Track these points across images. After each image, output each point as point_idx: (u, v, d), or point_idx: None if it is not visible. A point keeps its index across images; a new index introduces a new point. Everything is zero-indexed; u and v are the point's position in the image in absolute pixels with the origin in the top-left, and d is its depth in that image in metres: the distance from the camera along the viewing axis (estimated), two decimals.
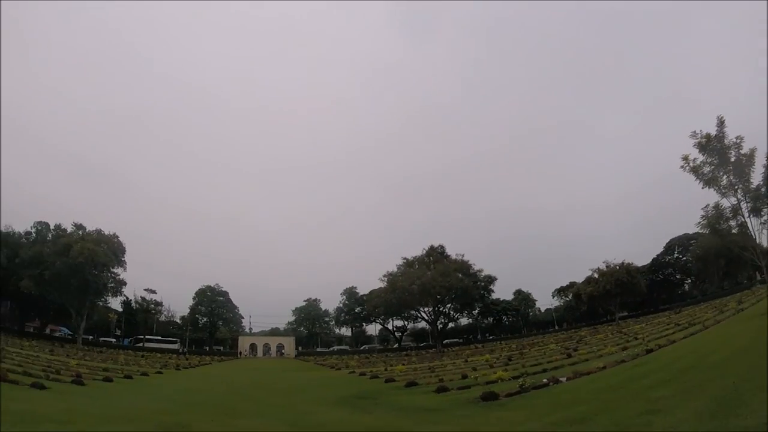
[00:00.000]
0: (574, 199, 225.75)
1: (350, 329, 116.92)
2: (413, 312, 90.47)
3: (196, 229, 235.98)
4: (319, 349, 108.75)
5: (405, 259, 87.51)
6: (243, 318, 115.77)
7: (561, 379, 17.92)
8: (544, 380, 17.72)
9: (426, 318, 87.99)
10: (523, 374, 20.16)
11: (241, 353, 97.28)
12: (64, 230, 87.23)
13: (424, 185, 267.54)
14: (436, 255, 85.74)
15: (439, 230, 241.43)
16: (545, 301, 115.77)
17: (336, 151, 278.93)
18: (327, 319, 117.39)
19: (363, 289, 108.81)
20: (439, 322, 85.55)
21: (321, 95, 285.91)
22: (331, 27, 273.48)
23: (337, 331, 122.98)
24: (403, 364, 43.48)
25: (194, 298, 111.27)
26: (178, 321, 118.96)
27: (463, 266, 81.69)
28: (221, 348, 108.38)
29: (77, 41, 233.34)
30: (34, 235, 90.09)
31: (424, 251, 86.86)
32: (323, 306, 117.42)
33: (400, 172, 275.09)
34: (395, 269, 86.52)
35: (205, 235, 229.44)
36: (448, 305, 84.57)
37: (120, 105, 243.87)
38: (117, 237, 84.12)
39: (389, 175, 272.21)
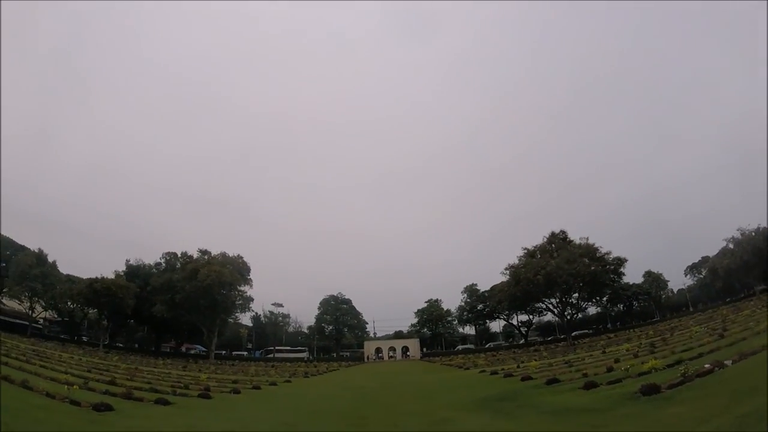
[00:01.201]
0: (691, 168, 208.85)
1: (473, 327, 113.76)
2: (538, 305, 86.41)
3: (316, 244, 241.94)
4: (443, 350, 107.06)
5: (525, 249, 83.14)
6: (367, 323, 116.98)
7: (726, 362, 15.23)
8: (707, 365, 14.92)
9: (553, 310, 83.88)
10: (679, 361, 17.65)
11: (368, 358, 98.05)
12: (191, 257, 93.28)
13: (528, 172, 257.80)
14: (558, 242, 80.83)
15: (553, 219, 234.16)
16: (677, 281, 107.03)
17: (436, 148, 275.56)
18: (449, 318, 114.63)
19: (484, 285, 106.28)
20: (566, 313, 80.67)
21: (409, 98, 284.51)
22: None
23: (460, 330, 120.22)
24: (536, 360, 40.97)
25: (319, 308, 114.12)
26: (305, 331, 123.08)
27: (589, 250, 75.79)
28: (347, 354, 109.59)
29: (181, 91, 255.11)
30: (163, 264, 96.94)
31: (545, 239, 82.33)
32: (444, 306, 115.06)
33: (501, 160, 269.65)
34: (516, 261, 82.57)
35: (325, 248, 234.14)
36: (575, 294, 79.24)
37: (231, 143, 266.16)
38: (241, 258, 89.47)
39: (492, 165, 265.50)
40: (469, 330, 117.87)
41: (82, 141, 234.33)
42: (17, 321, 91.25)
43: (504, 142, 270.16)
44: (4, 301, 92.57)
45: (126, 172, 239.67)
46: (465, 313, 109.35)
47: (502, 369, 34.95)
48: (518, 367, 35.97)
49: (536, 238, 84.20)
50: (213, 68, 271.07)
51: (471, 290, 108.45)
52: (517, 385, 22.40)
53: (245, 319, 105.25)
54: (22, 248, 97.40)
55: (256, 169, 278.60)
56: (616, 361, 26.53)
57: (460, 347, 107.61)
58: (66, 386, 15.18)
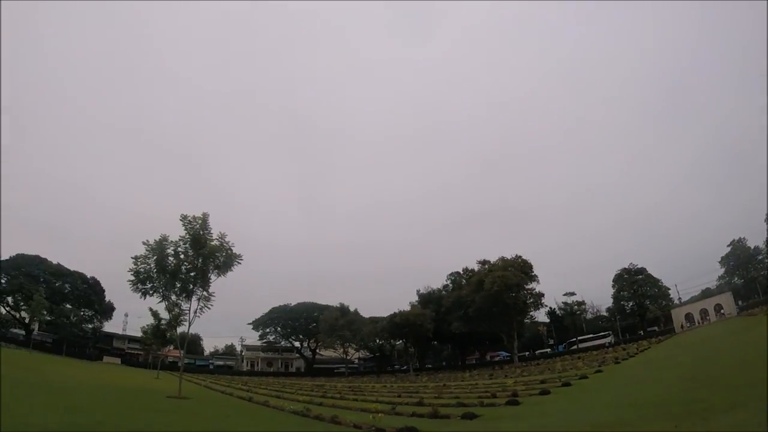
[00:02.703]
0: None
1: None
2: None
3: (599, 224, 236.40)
4: (761, 297, 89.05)
5: None
6: (669, 289, 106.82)
7: None
8: None
9: None
10: None
11: (681, 326, 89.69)
12: (472, 270, 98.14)
13: None
14: None
15: None
16: None
17: None
18: (760, 257, 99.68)
19: None
20: None
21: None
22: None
23: None
24: None
25: (613, 286, 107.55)
26: (605, 314, 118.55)
27: None
28: (655, 328, 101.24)
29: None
30: (450, 285, 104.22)
31: None
32: (750, 243, 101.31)
33: None
34: None
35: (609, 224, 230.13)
36: None
37: None
38: (520, 257, 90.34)
39: None
40: None
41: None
42: (334, 366, 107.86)
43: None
44: (321, 351, 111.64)
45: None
46: None
47: None
48: None
49: None
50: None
51: None
52: None
53: (540, 316, 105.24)
54: (327, 307, 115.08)
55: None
56: None
57: None
58: (371, 415, 16.08)
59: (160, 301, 32.46)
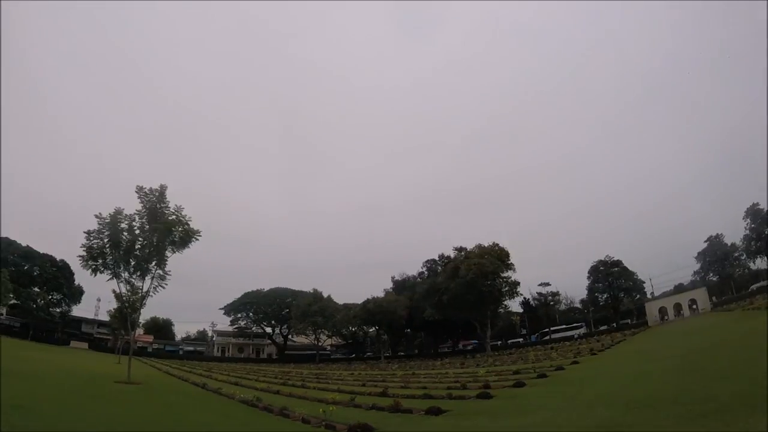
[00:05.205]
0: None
1: (765, 259, 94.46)
2: None
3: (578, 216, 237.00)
4: (733, 294, 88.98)
5: None
6: (644, 282, 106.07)
7: None
8: None
9: None
10: None
11: (657, 318, 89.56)
12: (448, 257, 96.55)
13: None
14: None
15: None
16: None
17: None
18: (736, 254, 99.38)
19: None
20: None
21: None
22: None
23: (752, 266, 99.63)
24: None
25: (588, 277, 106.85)
26: (578, 305, 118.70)
27: None
28: (628, 321, 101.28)
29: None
30: (426, 272, 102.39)
31: None
32: (728, 240, 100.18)
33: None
34: None
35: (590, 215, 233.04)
36: None
37: None
38: (497, 245, 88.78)
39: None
40: (761, 264, 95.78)
41: None
42: (306, 352, 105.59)
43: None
44: (293, 338, 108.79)
45: None
46: (753, 243, 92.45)
47: None
48: None
49: None
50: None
51: (755, 212, 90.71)
52: None
53: (515, 305, 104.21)
54: (300, 292, 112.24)
55: None
56: None
57: (754, 287, 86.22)
58: (322, 408, 14.50)
59: (109, 279, 30.18)
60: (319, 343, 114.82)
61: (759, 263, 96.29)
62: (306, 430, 13.37)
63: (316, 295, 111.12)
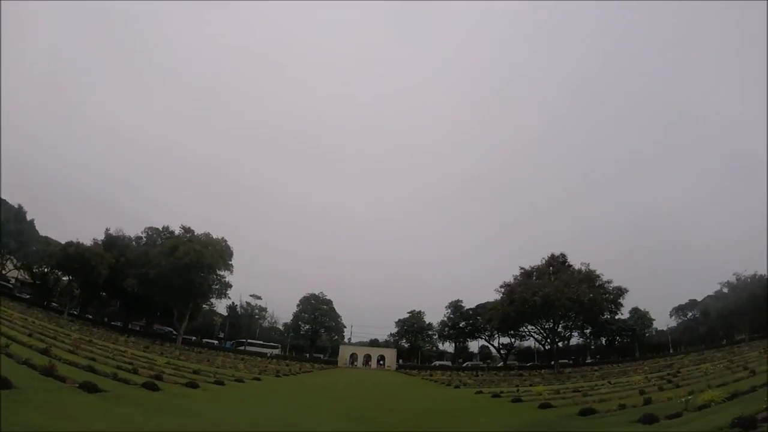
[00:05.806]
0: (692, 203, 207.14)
1: (453, 344, 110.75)
2: (523, 329, 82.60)
3: (304, 241, 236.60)
4: (419, 363, 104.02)
5: (523, 269, 79.73)
6: (345, 327, 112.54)
7: None
8: None
9: (536, 336, 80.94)
10: (734, 395, 16.34)
11: (347, 362, 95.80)
12: (172, 232, 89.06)
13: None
14: (557, 264, 77.21)
15: (550, 245, 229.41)
16: (661, 321, 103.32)
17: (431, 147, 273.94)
18: (430, 332, 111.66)
19: (468, 303, 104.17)
20: (552, 340, 77.66)
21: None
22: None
23: (440, 346, 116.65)
24: (532, 385, 37.48)
25: (298, 305, 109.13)
26: (280, 327, 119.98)
27: (590, 277, 71.66)
28: (321, 356, 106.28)
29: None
30: (144, 239, 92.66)
31: (544, 261, 78.65)
32: (427, 319, 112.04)
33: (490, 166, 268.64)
34: (512, 280, 79.12)
35: (314, 245, 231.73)
36: (561, 323, 76.18)
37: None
38: (225, 241, 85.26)
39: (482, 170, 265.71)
40: (449, 347, 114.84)
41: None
42: None
43: (496, 147, 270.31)
44: None
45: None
46: (447, 329, 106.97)
47: (501, 391, 31.60)
48: (517, 390, 32.39)
49: (532, 261, 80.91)
50: (211, 67, 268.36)
51: (456, 306, 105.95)
52: (542, 414, 18.60)
53: (221, 307, 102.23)
54: (2, 201, 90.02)
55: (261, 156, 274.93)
56: (642, 392, 23.21)
57: (437, 363, 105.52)
58: None
59: None
60: (4, 272, 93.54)
61: (447, 345, 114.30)
62: None
63: (19, 214, 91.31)
